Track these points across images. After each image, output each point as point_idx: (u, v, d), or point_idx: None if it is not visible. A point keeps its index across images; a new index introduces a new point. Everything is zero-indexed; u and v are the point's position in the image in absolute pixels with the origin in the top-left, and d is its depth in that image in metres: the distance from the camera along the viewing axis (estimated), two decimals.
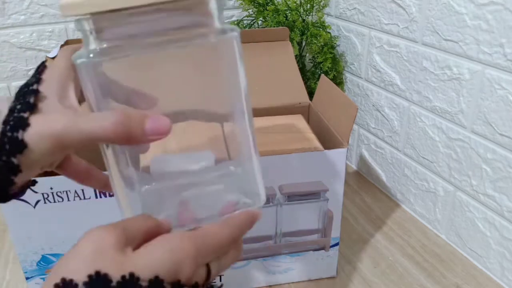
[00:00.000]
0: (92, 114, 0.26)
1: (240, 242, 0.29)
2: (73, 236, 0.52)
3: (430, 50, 0.65)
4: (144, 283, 0.22)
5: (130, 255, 0.23)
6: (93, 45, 0.26)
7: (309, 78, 0.87)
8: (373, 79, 0.79)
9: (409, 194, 0.76)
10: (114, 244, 0.22)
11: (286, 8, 0.82)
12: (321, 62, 0.82)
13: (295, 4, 0.84)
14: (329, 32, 0.83)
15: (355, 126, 0.88)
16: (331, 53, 0.81)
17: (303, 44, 0.85)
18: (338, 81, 0.87)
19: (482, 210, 0.61)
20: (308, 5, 0.84)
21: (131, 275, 0.21)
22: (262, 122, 0.60)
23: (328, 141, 0.57)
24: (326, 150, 0.52)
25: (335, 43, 0.85)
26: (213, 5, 0.28)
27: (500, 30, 0.53)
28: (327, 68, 0.81)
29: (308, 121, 0.64)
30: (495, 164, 0.58)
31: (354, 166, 0.91)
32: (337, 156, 0.53)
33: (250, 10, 0.85)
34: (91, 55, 0.26)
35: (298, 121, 0.61)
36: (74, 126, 0.25)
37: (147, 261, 0.23)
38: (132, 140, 0.25)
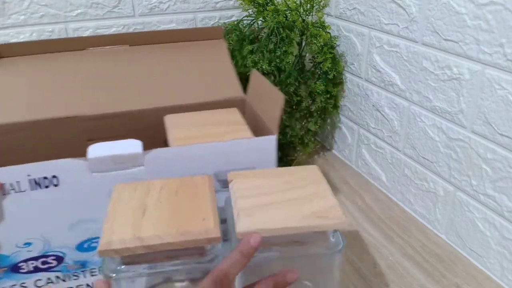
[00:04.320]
0: None
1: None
2: (10, 228, 0.49)
3: (430, 50, 0.65)
4: None
5: None
6: None
7: (308, 78, 0.87)
8: (373, 79, 0.79)
9: (409, 194, 0.76)
10: None
11: (286, 9, 0.82)
12: (321, 62, 0.82)
13: (295, 4, 0.83)
14: (328, 32, 0.83)
15: (355, 126, 0.88)
16: (331, 53, 0.81)
17: (303, 44, 0.85)
18: (338, 81, 0.87)
19: (482, 210, 0.61)
20: (308, 5, 0.84)
21: None
22: (199, 115, 0.62)
23: (261, 131, 0.60)
24: (257, 137, 0.55)
25: (335, 43, 0.85)
26: (330, 233, 0.44)
27: (500, 30, 0.53)
28: (327, 68, 0.81)
29: (244, 114, 0.66)
30: (495, 164, 0.58)
31: (354, 166, 0.91)
32: (268, 143, 0.55)
33: (250, 10, 0.85)
34: None
35: (233, 114, 0.64)
36: None
37: None
38: None
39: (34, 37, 0.83)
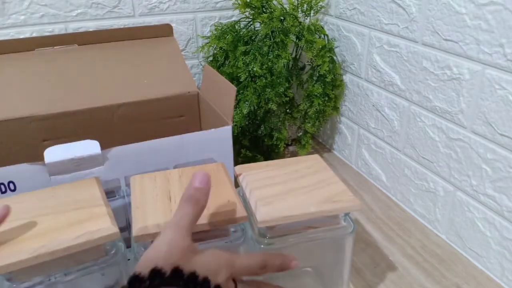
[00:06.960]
0: None
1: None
2: None
3: (430, 50, 0.65)
4: (200, 278, 0.30)
5: (192, 258, 0.31)
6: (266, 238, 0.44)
7: (307, 81, 0.86)
8: (373, 79, 0.79)
9: (409, 194, 0.76)
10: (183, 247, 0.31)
11: (280, 15, 0.81)
12: (318, 65, 0.82)
13: (292, 6, 0.83)
14: (323, 39, 0.82)
15: (355, 126, 0.88)
16: (328, 56, 0.81)
17: (299, 50, 0.85)
18: (338, 84, 0.87)
19: (482, 210, 0.61)
20: (305, 5, 0.84)
21: (193, 273, 0.30)
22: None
23: (218, 123, 0.62)
24: (213, 129, 0.57)
25: (332, 46, 0.85)
26: (341, 217, 0.46)
27: (500, 30, 0.53)
28: (324, 71, 0.81)
29: (198, 108, 0.70)
30: (495, 164, 0.58)
31: (354, 166, 0.91)
32: (224, 133, 0.58)
33: (246, 13, 0.85)
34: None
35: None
36: None
37: (205, 263, 0.31)
38: None
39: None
